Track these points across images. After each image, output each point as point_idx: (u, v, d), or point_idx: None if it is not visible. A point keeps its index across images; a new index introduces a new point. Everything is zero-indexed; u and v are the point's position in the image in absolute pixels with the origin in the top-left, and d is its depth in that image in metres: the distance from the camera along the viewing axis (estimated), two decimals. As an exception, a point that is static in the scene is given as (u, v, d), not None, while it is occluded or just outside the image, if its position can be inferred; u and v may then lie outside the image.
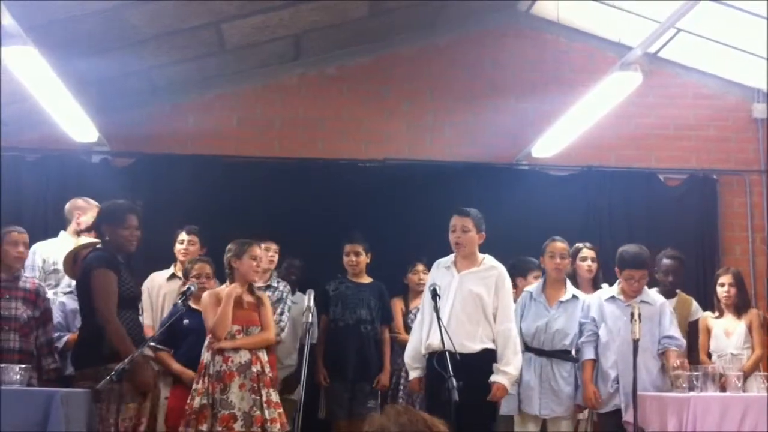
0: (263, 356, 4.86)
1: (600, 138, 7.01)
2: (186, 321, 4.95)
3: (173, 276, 5.74)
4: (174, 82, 7.06)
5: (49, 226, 5.88)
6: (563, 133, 6.54)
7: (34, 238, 5.59)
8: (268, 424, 4.65)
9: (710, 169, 7.44)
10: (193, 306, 5.04)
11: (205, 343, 4.85)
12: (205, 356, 4.78)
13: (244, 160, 7.03)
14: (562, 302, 5.26)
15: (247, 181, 6.92)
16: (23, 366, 4.19)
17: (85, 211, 5.59)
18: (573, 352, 5.24)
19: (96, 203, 5.60)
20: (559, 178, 7.30)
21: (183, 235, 5.84)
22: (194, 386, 4.75)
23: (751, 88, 7.54)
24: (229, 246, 5.02)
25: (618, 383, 5.06)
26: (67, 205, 5.69)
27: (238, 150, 7.08)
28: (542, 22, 7.52)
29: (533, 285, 5.44)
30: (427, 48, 7.47)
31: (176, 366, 5.13)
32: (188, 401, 4.72)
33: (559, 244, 5.35)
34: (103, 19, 5.61)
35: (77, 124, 6.18)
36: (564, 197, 7.13)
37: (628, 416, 4.87)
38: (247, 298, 4.94)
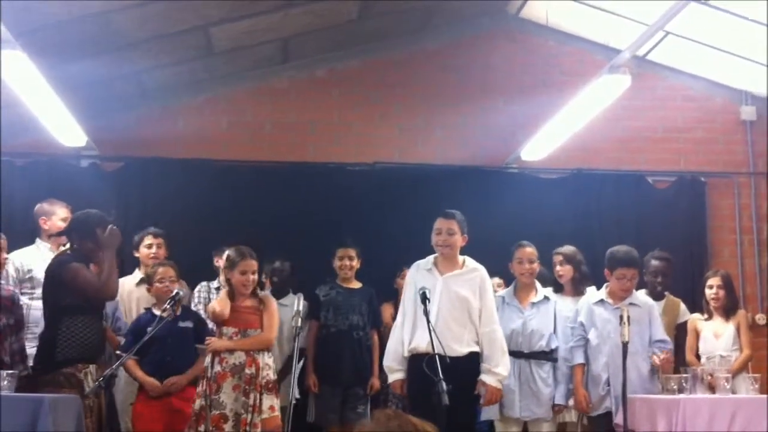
0: (262, 359, 4.83)
1: (589, 141, 7.03)
2: (150, 329, 4.76)
3: (143, 281, 5.66)
4: (163, 85, 7.04)
5: (38, 231, 5.84)
6: (552, 136, 6.56)
7: (23, 243, 5.60)
8: (248, 428, 4.65)
9: (698, 172, 7.46)
10: (156, 312, 5.04)
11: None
12: (207, 360, 4.84)
13: (234, 164, 7.01)
14: (534, 303, 5.30)
15: (237, 185, 6.91)
16: (11, 372, 4.18)
17: (49, 215, 5.60)
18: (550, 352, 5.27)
19: (63, 203, 5.62)
20: (548, 181, 7.31)
21: (150, 239, 5.78)
22: (197, 389, 4.81)
23: (739, 90, 7.58)
24: (227, 253, 5.05)
25: (609, 386, 5.07)
26: (34, 211, 5.69)
27: (228, 153, 7.06)
28: (531, 25, 7.54)
29: (504, 290, 5.46)
30: (417, 52, 7.48)
31: (139, 373, 5.05)
32: (193, 404, 4.80)
33: (528, 249, 5.37)
34: (92, 23, 5.59)
35: (65, 129, 6.16)
36: (553, 200, 7.14)
37: (618, 419, 4.87)
38: (247, 301, 4.96)
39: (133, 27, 5.85)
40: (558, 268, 5.83)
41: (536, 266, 5.41)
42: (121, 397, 5.41)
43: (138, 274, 5.81)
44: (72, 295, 4.54)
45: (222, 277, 5.81)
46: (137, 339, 4.81)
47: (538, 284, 5.43)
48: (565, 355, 5.26)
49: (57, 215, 5.58)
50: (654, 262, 5.89)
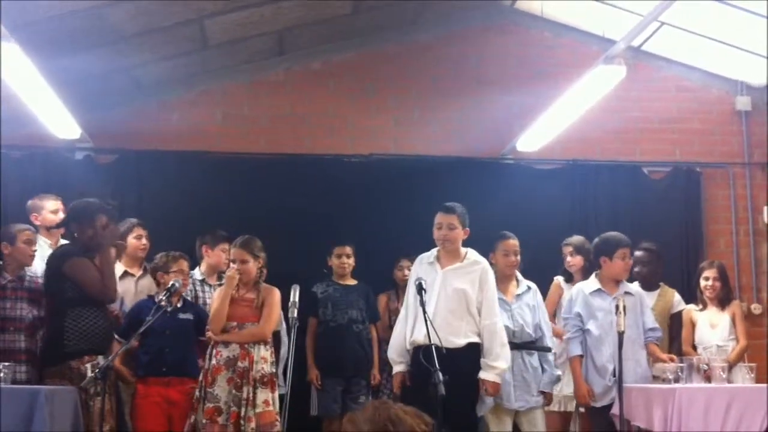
0: (257, 352, 4.83)
1: (585, 132, 7.02)
2: (148, 318, 4.69)
3: (126, 274, 5.59)
4: (158, 78, 7.03)
5: (33, 224, 5.85)
6: (548, 127, 6.56)
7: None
8: (242, 422, 4.65)
9: (694, 162, 7.46)
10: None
11: None
12: (208, 351, 4.89)
13: (229, 157, 7.00)
14: (518, 295, 5.26)
15: (232, 178, 6.90)
16: (6, 364, 4.19)
17: (39, 210, 5.60)
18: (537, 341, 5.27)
19: (53, 196, 5.61)
20: (544, 172, 7.31)
21: (139, 230, 5.71)
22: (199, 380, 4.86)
23: (734, 80, 7.57)
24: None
25: (615, 376, 5.07)
26: (27, 205, 5.68)
27: (223, 146, 7.05)
28: (526, 16, 7.53)
29: None
30: (412, 44, 7.46)
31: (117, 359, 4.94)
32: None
33: (512, 241, 5.30)
34: (86, 17, 5.58)
35: (60, 122, 6.15)
36: (549, 191, 7.14)
37: (615, 409, 4.88)
38: (248, 294, 4.97)
39: (127, 20, 5.83)
40: (569, 258, 5.85)
41: (519, 259, 5.37)
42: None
43: (119, 266, 5.58)
44: (75, 288, 4.55)
45: (203, 267, 5.80)
46: (133, 325, 4.82)
47: (518, 274, 5.41)
48: (554, 344, 5.26)
49: (46, 209, 5.57)
50: (638, 253, 5.89)
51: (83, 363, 4.42)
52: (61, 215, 5.38)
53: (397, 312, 5.73)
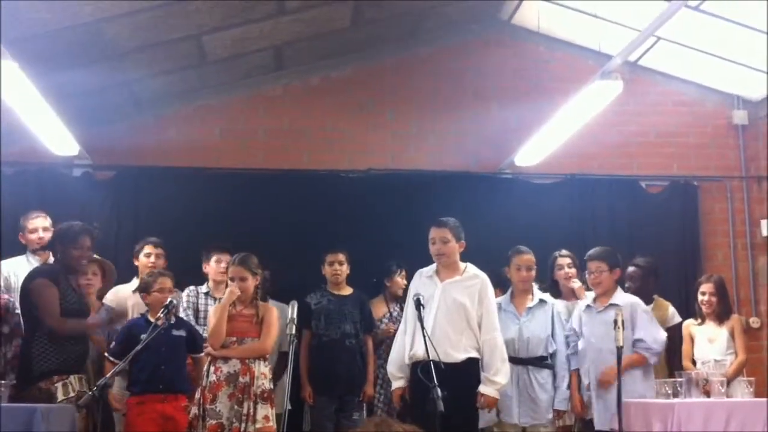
0: (257, 368, 4.85)
1: (582, 146, 7.03)
2: (143, 336, 4.67)
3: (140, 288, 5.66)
4: (156, 94, 7.03)
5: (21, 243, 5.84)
6: (546, 141, 6.56)
7: (14, 253, 5.58)
8: None
9: (691, 176, 7.48)
10: (150, 319, 5.01)
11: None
12: (205, 367, 4.88)
13: (227, 172, 7.00)
14: (530, 308, 5.29)
15: (230, 193, 6.90)
16: (3, 382, 4.16)
17: (24, 230, 5.62)
18: (549, 358, 5.28)
19: (38, 214, 5.64)
20: (542, 187, 7.32)
21: (149, 248, 5.81)
22: (196, 397, 4.85)
23: (731, 94, 7.60)
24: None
25: (589, 390, 5.09)
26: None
27: (221, 162, 7.06)
28: (523, 31, 7.56)
29: (501, 297, 5.41)
30: (409, 58, 7.49)
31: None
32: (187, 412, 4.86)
33: (525, 256, 5.35)
34: (84, 32, 5.58)
35: (57, 138, 6.14)
36: (547, 205, 7.14)
37: (614, 424, 4.87)
38: (247, 310, 4.99)
39: (125, 36, 5.84)
40: (566, 270, 5.82)
41: (533, 273, 5.38)
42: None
43: (136, 282, 5.78)
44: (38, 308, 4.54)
45: (211, 283, 5.82)
46: (128, 344, 4.80)
47: (535, 288, 5.41)
48: (562, 359, 5.27)
49: (27, 228, 5.58)
50: (629, 269, 5.88)
51: (53, 383, 4.40)
52: (41, 234, 5.39)
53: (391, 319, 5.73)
